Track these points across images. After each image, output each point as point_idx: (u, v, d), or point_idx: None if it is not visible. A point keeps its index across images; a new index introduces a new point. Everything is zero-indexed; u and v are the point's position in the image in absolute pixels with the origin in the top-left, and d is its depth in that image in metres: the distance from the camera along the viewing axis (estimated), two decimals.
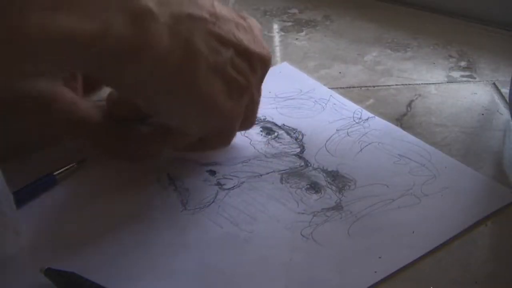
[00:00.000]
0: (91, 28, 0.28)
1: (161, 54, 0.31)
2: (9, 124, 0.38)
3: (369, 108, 0.49)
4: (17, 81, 0.32)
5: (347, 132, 0.46)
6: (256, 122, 0.47)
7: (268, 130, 0.46)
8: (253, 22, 0.39)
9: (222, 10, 0.36)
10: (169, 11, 0.32)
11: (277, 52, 0.61)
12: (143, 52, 0.31)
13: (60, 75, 0.37)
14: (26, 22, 0.25)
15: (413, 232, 0.36)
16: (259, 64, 0.38)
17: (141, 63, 0.31)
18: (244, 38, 0.37)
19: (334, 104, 0.50)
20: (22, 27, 0.26)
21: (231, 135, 0.41)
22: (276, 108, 0.49)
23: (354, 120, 0.47)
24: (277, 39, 0.63)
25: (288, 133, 0.46)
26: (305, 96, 0.51)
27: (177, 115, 0.37)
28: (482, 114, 0.49)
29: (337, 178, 0.41)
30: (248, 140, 0.45)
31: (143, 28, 0.30)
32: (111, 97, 0.40)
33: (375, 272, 0.34)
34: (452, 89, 0.53)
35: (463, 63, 0.57)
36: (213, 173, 0.42)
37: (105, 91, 0.41)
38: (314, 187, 0.40)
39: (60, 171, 0.41)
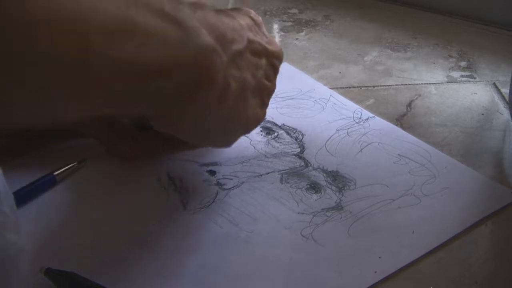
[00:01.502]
0: (160, 58, 0.27)
1: (220, 90, 0.31)
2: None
3: (369, 108, 0.49)
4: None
5: (347, 132, 0.46)
6: None
7: (268, 130, 0.46)
8: (253, 15, 0.38)
9: (244, 20, 0.36)
10: (224, 47, 0.31)
11: None
12: (207, 86, 0.30)
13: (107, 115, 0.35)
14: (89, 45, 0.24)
15: (413, 232, 0.36)
16: (277, 62, 0.38)
17: (201, 100, 0.30)
18: (262, 41, 0.36)
19: (334, 104, 0.50)
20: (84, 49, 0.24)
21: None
22: (276, 108, 0.49)
23: (354, 120, 0.47)
24: (277, 39, 0.63)
25: (288, 133, 0.46)
26: (305, 96, 0.51)
27: (212, 139, 0.37)
28: (482, 114, 0.49)
29: (337, 178, 0.41)
30: (248, 140, 0.45)
31: (209, 63, 0.30)
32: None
33: (375, 272, 0.34)
34: (452, 89, 0.53)
35: (463, 63, 0.57)
36: (213, 173, 0.42)
37: None
38: (314, 187, 0.40)
39: (60, 171, 0.41)
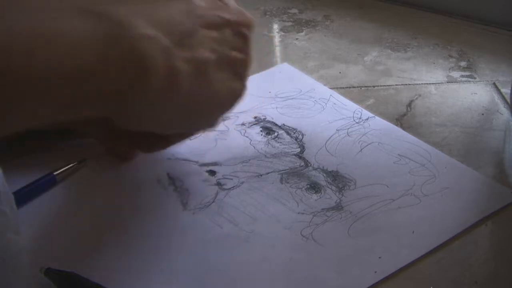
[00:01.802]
0: (83, 63, 0.27)
1: (166, 77, 0.30)
2: None
3: (369, 108, 0.49)
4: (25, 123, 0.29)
5: (347, 132, 0.46)
6: (256, 122, 0.47)
7: (268, 130, 0.46)
8: None
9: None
10: (166, 31, 0.31)
11: (277, 52, 0.61)
12: (145, 77, 0.29)
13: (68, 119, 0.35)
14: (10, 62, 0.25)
15: (413, 232, 0.36)
16: (247, 31, 0.37)
17: (147, 91, 0.30)
18: (222, 13, 0.35)
19: (334, 104, 0.50)
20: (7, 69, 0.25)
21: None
22: (276, 108, 0.49)
23: (354, 120, 0.47)
24: (277, 39, 0.63)
25: (288, 133, 0.46)
26: (305, 96, 0.51)
27: (191, 125, 0.37)
28: (482, 114, 0.49)
29: (337, 178, 0.41)
30: (248, 140, 0.45)
31: (141, 54, 0.29)
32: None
33: (375, 272, 0.34)
34: (452, 89, 0.53)
35: (463, 63, 0.57)
36: (213, 173, 0.42)
37: None
38: (314, 187, 0.40)
39: (60, 171, 0.41)
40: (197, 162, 0.43)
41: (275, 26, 0.66)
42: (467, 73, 0.55)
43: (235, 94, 0.36)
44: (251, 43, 0.37)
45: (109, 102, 0.30)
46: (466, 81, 0.54)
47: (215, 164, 0.43)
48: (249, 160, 0.43)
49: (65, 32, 0.27)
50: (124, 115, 0.32)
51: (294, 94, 0.51)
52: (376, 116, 0.48)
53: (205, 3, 0.34)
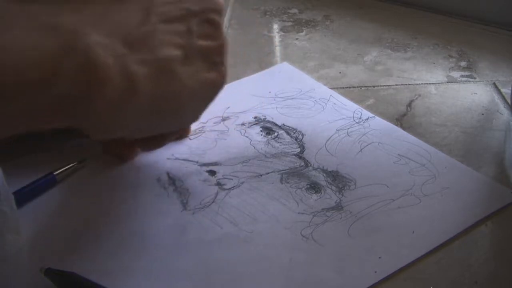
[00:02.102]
0: (37, 75, 0.27)
1: (124, 83, 0.30)
2: None
3: (369, 108, 0.49)
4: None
5: (347, 132, 0.46)
6: (256, 122, 0.47)
7: (268, 130, 0.46)
8: None
9: None
10: (119, 37, 0.30)
11: (277, 52, 0.61)
12: (100, 87, 0.29)
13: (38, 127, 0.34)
14: None
15: (413, 232, 0.36)
16: (216, 16, 0.35)
17: (106, 99, 0.30)
18: (183, 4, 0.34)
19: (334, 104, 0.50)
20: None
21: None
22: (276, 108, 0.49)
23: (354, 120, 0.47)
24: (277, 39, 0.63)
25: (288, 133, 0.46)
26: (305, 96, 0.51)
27: (168, 124, 0.36)
28: (482, 114, 0.49)
29: (337, 178, 0.41)
30: (248, 140, 0.45)
31: (92, 64, 0.29)
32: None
33: (375, 272, 0.34)
34: (452, 89, 0.53)
35: (463, 63, 0.57)
36: (213, 173, 0.42)
37: None
38: (314, 187, 0.40)
39: (60, 171, 0.41)
40: (197, 162, 0.43)
41: (275, 26, 0.66)
42: (467, 73, 0.55)
43: (212, 84, 0.35)
44: (222, 28, 0.36)
45: (68, 113, 0.30)
46: (466, 81, 0.54)
47: (215, 164, 0.43)
48: (249, 160, 0.43)
49: (18, 45, 0.27)
50: (87, 124, 0.32)
51: (294, 94, 0.51)
52: (376, 116, 0.48)
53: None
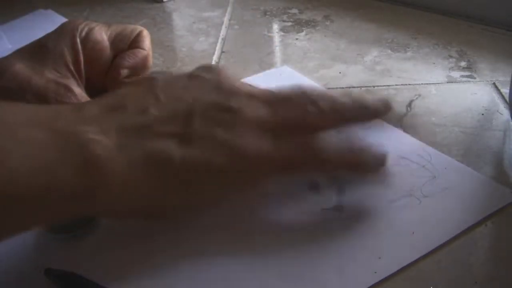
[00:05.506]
0: (36, 184, 0.27)
1: (122, 176, 0.30)
2: None
3: None
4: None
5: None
6: None
7: None
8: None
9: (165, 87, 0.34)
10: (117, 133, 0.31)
11: (277, 52, 0.61)
12: (102, 183, 0.30)
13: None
14: None
15: (413, 232, 0.36)
16: (223, 84, 0.36)
17: (107, 192, 0.30)
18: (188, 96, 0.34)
19: None
20: None
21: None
22: None
23: None
24: (277, 39, 0.63)
25: None
26: None
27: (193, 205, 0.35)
28: (482, 114, 0.49)
29: (337, 178, 0.41)
30: None
31: (95, 172, 0.29)
32: None
33: (375, 272, 0.34)
34: (452, 89, 0.53)
35: (463, 63, 0.57)
36: None
37: None
38: (314, 187, 0.40)
39: None
40: None
41: (275, 26, 0.66)
42: (467, 73, 0.55)
43: (232, 156, 0.33)
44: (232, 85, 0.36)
45: (74, 210, 0.30)
46: (466, 81, 0.54)
47: None
48: None
49: (21, 151, 0.27)
50: (96, 212, 0.33)
51: None
52: None
53: (164, 95, 0.34)
